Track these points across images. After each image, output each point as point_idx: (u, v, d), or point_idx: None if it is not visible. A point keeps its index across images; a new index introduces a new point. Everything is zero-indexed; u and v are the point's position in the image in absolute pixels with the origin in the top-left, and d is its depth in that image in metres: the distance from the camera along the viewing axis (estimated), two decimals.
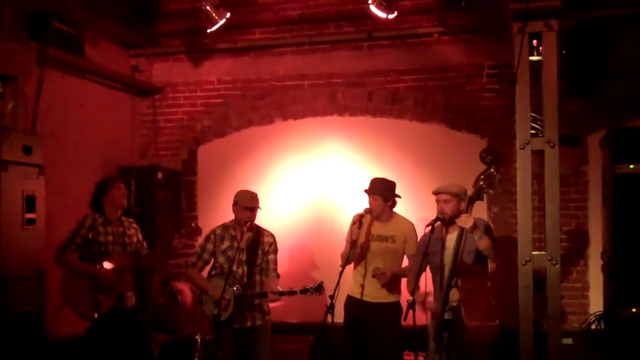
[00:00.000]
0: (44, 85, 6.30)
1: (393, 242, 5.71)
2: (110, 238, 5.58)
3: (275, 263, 5.72)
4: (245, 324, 5.62)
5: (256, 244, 5.67)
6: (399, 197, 5.81)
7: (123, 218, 5.76)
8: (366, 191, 5.75)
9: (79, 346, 5.53)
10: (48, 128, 6.36)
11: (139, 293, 5.88)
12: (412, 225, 5.82)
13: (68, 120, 6.75)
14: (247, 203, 5.64)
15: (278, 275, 5.70)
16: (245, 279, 5.59)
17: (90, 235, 5.46)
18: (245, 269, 5.62)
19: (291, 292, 5.43)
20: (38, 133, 6.14)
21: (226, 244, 5.68)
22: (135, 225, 5.85)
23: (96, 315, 5.32)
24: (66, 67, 6.67)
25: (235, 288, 5.48)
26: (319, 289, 5.36)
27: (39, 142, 5.90)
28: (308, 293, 5.38)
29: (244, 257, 5.62)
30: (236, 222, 5.70)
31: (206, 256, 5.73)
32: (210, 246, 5.73)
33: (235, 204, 5.70)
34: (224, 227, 5.79)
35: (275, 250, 5.75)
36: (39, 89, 6.26)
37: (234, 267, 5.51)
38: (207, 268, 5.77)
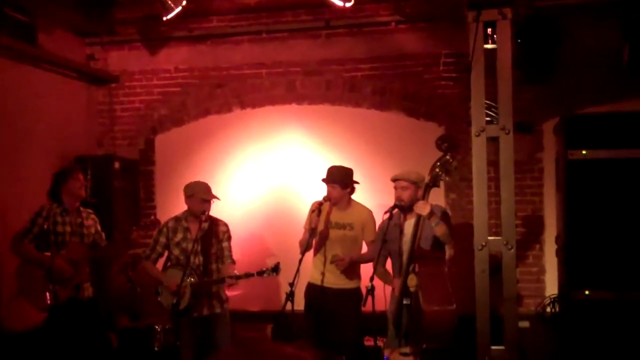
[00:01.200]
0: None
1: (351, 230, 5.77)
2: (68, 228, 5.54)
3: (230, 250, 5.78)
4: (202, 312, 5.63)
5: (210, 233, 5.70)
6: (357, 183, 5.86)
7: (81, 209, 5.72)
8: (324, 180, 5.78)
9: (35, 337, 5.47)
10: (1, 118, 6.25)
11: (97, 283, 5.84)
12: (370, 212, 5.87)
13: (22, 110, 6.64)
14: (204, 195, 5.64)
15: (234, 262, 5.75)
16: (201, 268, 5.61)
17: (46, 226, 5.41)
18: (201, 258, 5.65)
19: (248, 275, 5.47)
20: None
21: (179, 236, 5.70)
22: (93, 216, 5.81)
23: (52, 305, 5.28)
24: (19, 56, 6.55)
25: (191, 278, 5.49)
26: (276, 269, 5.39)
27: None
28: (265, 274, 5.41)
29: (199, 247, 5.63)
30: (189, 214, 5.71)
31: (159, 249, 5.76)
32: (162, 239, 5.76)
33: (190, 196, 5.68)
34: (176, 219, 5.81)
35: (229, 238, 5.81)
36: None
37: (191, 258, 5.53)
38: (163, 260, 5.77)
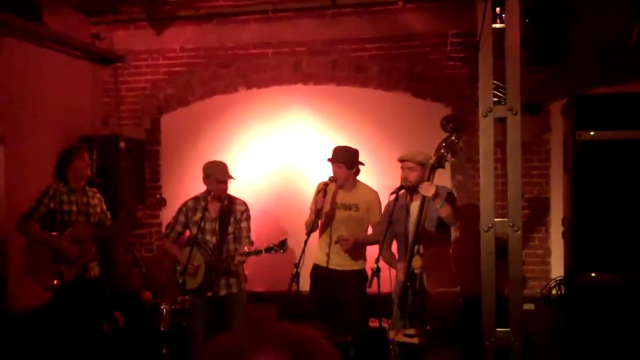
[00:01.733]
0: (1, 54, 6.16)
1: (357, 210, 5.76)
2: (74, 208, 5.54)
3: (248, 230, 5.79)
4: (219, 292, 5.68)
5: (228, 213, 5.73)
6: (362, 164, 5.84)
7: (87, 188, 5.71)
8: (330, 160, 5.76)
9: (41, 317, 5.50)
10: (6, 97, 6.24)
11: (103, 263, 5.85)
12: (376, 193, 5.85)
13: (27, 89, 6.62)
14: (220, 176, 5.67)
15: (251, 242, 5.77)
16: (217, 248, 5.63)
17: (52, 205, 5.41)
18: (218, 237, 5.67)
19: (257, 252, 5.51)
20: None
21: (198, 215, 5.72)
22: (99, 195, 5.80)
23: (59, 285, 5.30)
24: (24, 35, 6.52)
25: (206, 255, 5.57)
26: (282, 245, 5.41)
27: None
28: (272, 251, 5.44)
29: (216, 226, 5.69)
30: (208, 194, 5.72)
31: (178, 227, 5.82)
32: (182, 218, 5.81)
33: (207, 176, 5.71)
34: (196, 199, 5.85)
35: (248, 218, 5.82)
36: None
37: (208, 237, 5.65)
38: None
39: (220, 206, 5.73)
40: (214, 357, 1.25)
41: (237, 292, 5.76)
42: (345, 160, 5.72)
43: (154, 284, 6.81)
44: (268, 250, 5.45)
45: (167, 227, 5.90)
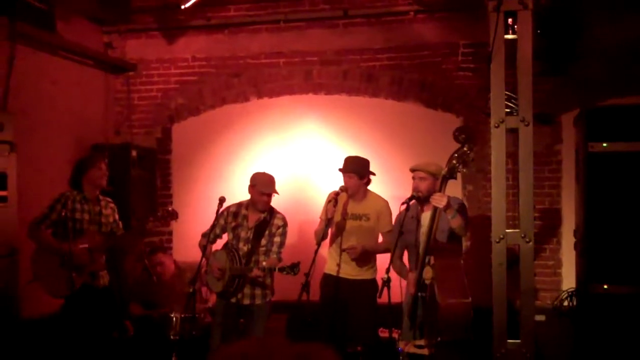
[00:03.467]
0: (15, 62, 6.20)
1: (367, 220, 5.76)
2: (86, 216, 5.55)
3: (280, 246, 5.76)
4: (242, 300, 5.71)
5: (265, 225, 5.76)
6: (373, 174, 5.85)
7: (101, 197, 5.73)
8: (341, 170, 5.76)
9: (51, 324, 5.51)
10: (19, 105, 6.27)
11: (114, 272, 5.86)
12: (386, 202, 5.86)
13: (40, 97, 6.66)
14: (264, 188, 5.73)
15: (280, 259, 5.70)
16: (247, 256, 5.68)
17: (63, 213, 5.43)
18: (249, 247, 5.71)
19: (270, 269, 5.53)
20: (9, 110, 6.05)
21: (236, 221, 5.82)
22: (112, 205, 5.82)
23: (69, 292, 5.31)
24: (37, 44, 6.57)
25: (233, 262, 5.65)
26: (293, 268, 5.35)
27: (10, 119, 5.82)
28: (284, 272, 5.40)
29: (251, 235, 5.74)
30: (250, 203, 5.80)
31: (217, 230, 5.88)
32: (222, 222, 5.88)
33: (252, 186, 5.76)
34: (239, 205, 5.93)
35: (283, 234, 5.80)
36: (10, 66, 6.16)
37: (241, 244, 5.73)
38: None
39: (259, 217, 5.76)
40: None
41: (260, 304, 5.75)
42: (357, 170, 5.73)
43: (168, 290, 6.81)
44: (280, 270, 5.43)
45: (210, 227, 5.87)
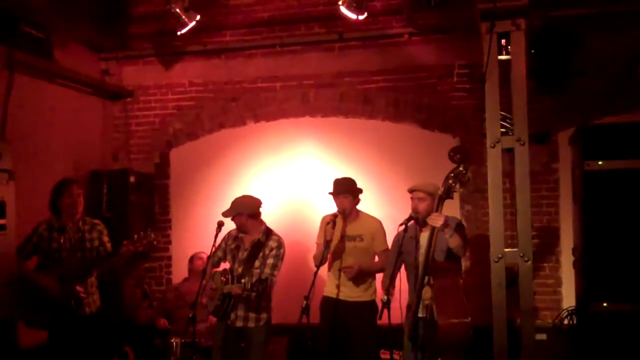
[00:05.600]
0: (13, 90, 6.23)
1: (361, 241, 5.79)
2: (65, 244, 5.45)
3: (272, 268, 5.70)
4: (235, 323, 5.71)
5: (259, 247, 5.78)
6: (361, 191, 5.87)
7: (87, 219, 5.63)
8: (333, 193, 5.81)
9: (43, 354, 5.45)
10: (18, 133, 6.29)
11: (111, 297, 5.78)
12: (379, 221, 5.90)
13: (38, 125, 6.68)
14: (224, 212, 5.80)
15: (268, 280, 5.59)
16: (239, 277, 5.69)
17: (39, 243, 5.39)
18: (243, 267, 5.74)
19: (245, 287, 5.53)
20: (7, 138, 6.06)
21: (235, 243, 5.88)
22: (100, 227, 5.67)
23: (44, 325, 5.27)
24: (35, 72, 6.59)
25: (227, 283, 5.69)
26: (261, 283, 5.46)
27: (9, 147, 5.82)
28: (253, 290, 5.47)
29: (245, 256, 5.75)
30: None
31: (219, 253, 5.95)
32: (223, 245, 5.94)
33: None
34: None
35: (276, 256, 5.74)
36: (8, 94, 6.19)
37: (236, 266, 5.79)
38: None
39: (255, 239, 5.78)
40: None
41: (254, 327, 5.70)
42: (350, 190, 5.82)
43: (167, 315, 6.80)
44: (252, 287, 5.47)
45: (212, 252, 5.85)
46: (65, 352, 5.31)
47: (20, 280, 5.38)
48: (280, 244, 5.78)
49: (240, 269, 5.73)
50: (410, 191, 5.40)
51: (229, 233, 5.95)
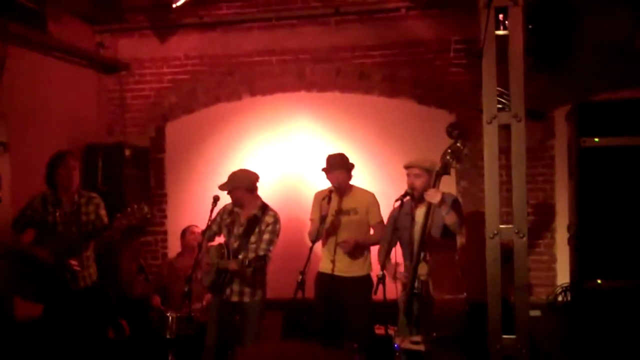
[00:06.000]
0: (7, 62, 6.17)
1: (355, 214, 5.82)
2: (59, 218, 5.43)
3: (268, 243, 5.68)
4: (230, 297, 5.71)
5: (255, 222, 5.75)
6: (354, 166, 5.91)
7: (82, 192, 5.59)
8: (326, 169, 5.82)
9: (36, 329, 5.46)
10: (12, 105, 6.24)
11: (108, 270, 5.78)
12: (373, 195, 5.94)
13: (32, 98, 6.64)
14: (220, 186, 5.76)
15: (265, 256, 5.60)
16: (235, 252, 5.68)
17: (33, 215, 5.37)
18: (239, 243, 5.72)
19: (243, 263, 5.48)
20: (1, 110, 6.03)
21: (230, 218, 5.86)
22: (97, 200, 5.62)
23: (37, 297, 5.28)
24: (29, 44, 6.54)
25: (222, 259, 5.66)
26: (259, 260, 5.46)
27: (3, 119, 5.81)
28: (251, 266, 5.43)
29: (241, 232, 5.73)
30: None
31: (214, 227, 5.92)
32: (218, 219, 5.91)
33: None
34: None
35: (273, 232, 5.72)
36: (2, 65, 6.13)
37: (231, 241, 5.75)
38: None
39: (251, 214, 5.76)
40: None
41: (249, 302, 5.70)
42: (345, 165, 5.85)
43: (163, 290, 6.81)
44: (249, 265, 5.44)
45: (207, 226, 5.87)
46: (59, 325, 5.30)
47: (15, 253, 5.37)
48: (276, 220, 5.77)
49: (236, 244, 5.72)
50: (407, 167, 5.39)
51: (224, 207, 5.93)
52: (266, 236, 5.70)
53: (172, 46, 7.87)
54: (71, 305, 5.34)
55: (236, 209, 5.84)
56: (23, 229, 5.45)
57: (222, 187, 5.76)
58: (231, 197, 5.81)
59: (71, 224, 5.46)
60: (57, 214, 5.43)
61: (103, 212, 5.61)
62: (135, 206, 5.40)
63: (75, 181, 5.53)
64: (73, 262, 5.34)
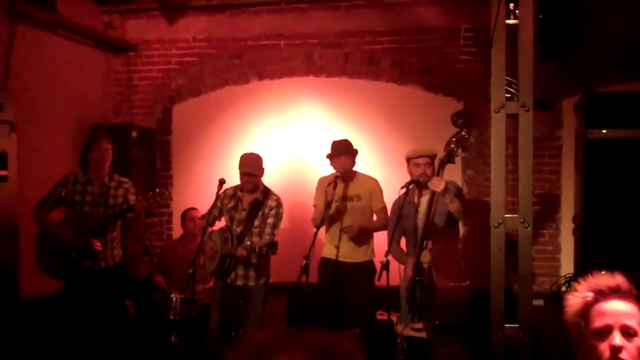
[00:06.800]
0: (15, 41, 6.17)
1: (359, 200, 5.82)
2: (88, 198, 5.48)
3: (273, 227, 5.70)
4: (236, 281, 5.72)
5: (258, 206, 5.74)
6: (357, 152, 5.92)
7: (115, 176, 5.64)
8: (333, 154, 5.80)
9: (51, 304, 5.54)
10: (19, 84, 6.25)
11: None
12: (376, 181, 5.95)
13: (40, 77, 6.64)
14: (242, 168, 5.75)
15: (271, 240, 5.59)
16: (239, 237, 5.68)
17: (63, 193, 5.42)
18: (243, 227, 5.71)
19: (252, 249, 5.47)
20: (9, 89, 6.03)
21: (232, 203, 5.82)
22: (127, 185, 5.67)
23: (62, 275, 5.35)
24: (37, 22, 6.53)
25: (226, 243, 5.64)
26: (271, 247, 5.41)
27: (10, 98, 5.80)
28: (263, 251, 5.43)
29: (244, 216, 5.72)
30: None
31: (215, 212, 5.89)
32: (218, 204, 5.88)
33: (239, 167, 5.79)
34: (236, 187, 5.91)
35: (277, 215, 5.73)
36: (10, 45, 6.14)
37: (234, 226, 5.73)
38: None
39: (253, 198, 5.75)
40: (247, 355, 1.31)
41: (254, 286, 5.72)
42: (350, 150, 5.85)
43: (167, 271, 6.84)
44: (260, 249, 5.44)
45: (209, 210, 5.89)
46: (75, 303, 5.38)
47: (41, 230, 5.45)
48: (279, 204, 5.78)
49: (239, 229, 5.72)
50: (416, 157, 5.38)
51: (224, 191, 5.88)
52: (270, 220, 5.70)
53: (181, 28, 7.85)
54: (89, 285, 5.42)
55: (239, 193, 5.83)
56: (52, 207, 5.49)
57: (251, 171, 5.69)
58: (249, 180, 5.71)
59: (99, 205, 5.51)
60: (87, 194, 5.49)
61: (132, 197, 5.63)
62: (157, 190, 5.50)
63: (107, 162, 5.58)
64: (95, 242, 5.39)
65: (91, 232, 5.39)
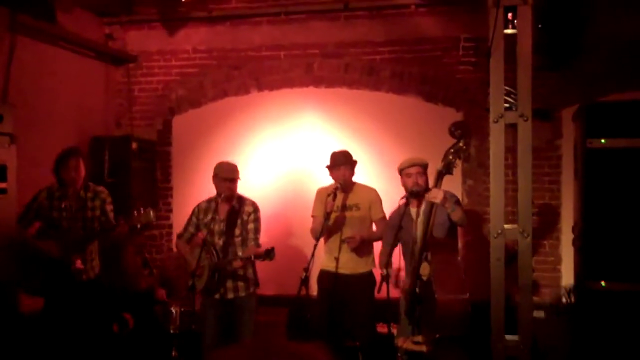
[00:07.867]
0: (15, 53, 6.19)
1: (358, 210, 5.80)
2: (64, 214, 5.47)
3: (256, 232, 5.68)
4: (226, 295, 5.65)
5: (236, 214, 5.68)
6: (356, 162, 5.90)
7: (91, 185, 5.62)
8: (333, 165, 5.78)
9: (37, 323, 5.49)
10: (19, 96, 6.25)
11: (113, 264, 5.80)
12: (375, 191, 5.94)
13: (40, 89, 6.65)
14: (225, 174, 5.65)
15: (258, 245, 5.63)
16: (223, 250, 5.61)
17: (39, 210, 5.41)
18: (225, 239, 5.64)
19: (247, 258, 5.45)
20: (9, 101, 6.03)
21: (209, 216, 5.71)
22: (104, 195, 5.66)
23: (37, 291, 5.32)
24: (38, 34, 6.55)
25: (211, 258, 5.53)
26: (269, 254, 5.31)
27: (10, 110, 5.79)
28: (260, 259, 5.37)
29: (224, 227, 5.65)
30: (218, 195, 5.69)
31: (191, 229, 5.82)
32: (194, 219, 5.82)
33: (214, 175, 5.70)
34: (209, 200, 5.83)
35: (256, 220, 5.70)
36: (10, 56, 6.15)
37: (215, 238, 5.62)
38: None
39: (229, 207, 5.70)
40: None
41: (245, 296, 5.67)
42: (350, 161, 5.83)
43: (167, 284, 6.83)
44: (257, 257, 5.40)
45: (183, 227, 5.88)
46: (62, 318, 5.33)
47: (20, 247, 5.41)
48: (256, 208, 5.74)
49: (221, 241, 5.65)
50: (408, 166, 5.36)
51: (197, 206, 5.84)
52: (251, 225, 5.67)
53: (181, 39, 7.87)
54: (74, 298, 5.37)
55: (212, 205, 5.75)
56: (30, 223, 5.48)
57: (234, 176, 5.65)
58: (229, 186, 5.63)
59: (77, 220, 5.49)
60: (63, 208, 5.46)
61: (109, 207, 5.63)
62: (142, 210, 5.40)
63: (80, 178, 5.55)
64: (77, 261, 5.38)
65: (74, 249, 5.38)
